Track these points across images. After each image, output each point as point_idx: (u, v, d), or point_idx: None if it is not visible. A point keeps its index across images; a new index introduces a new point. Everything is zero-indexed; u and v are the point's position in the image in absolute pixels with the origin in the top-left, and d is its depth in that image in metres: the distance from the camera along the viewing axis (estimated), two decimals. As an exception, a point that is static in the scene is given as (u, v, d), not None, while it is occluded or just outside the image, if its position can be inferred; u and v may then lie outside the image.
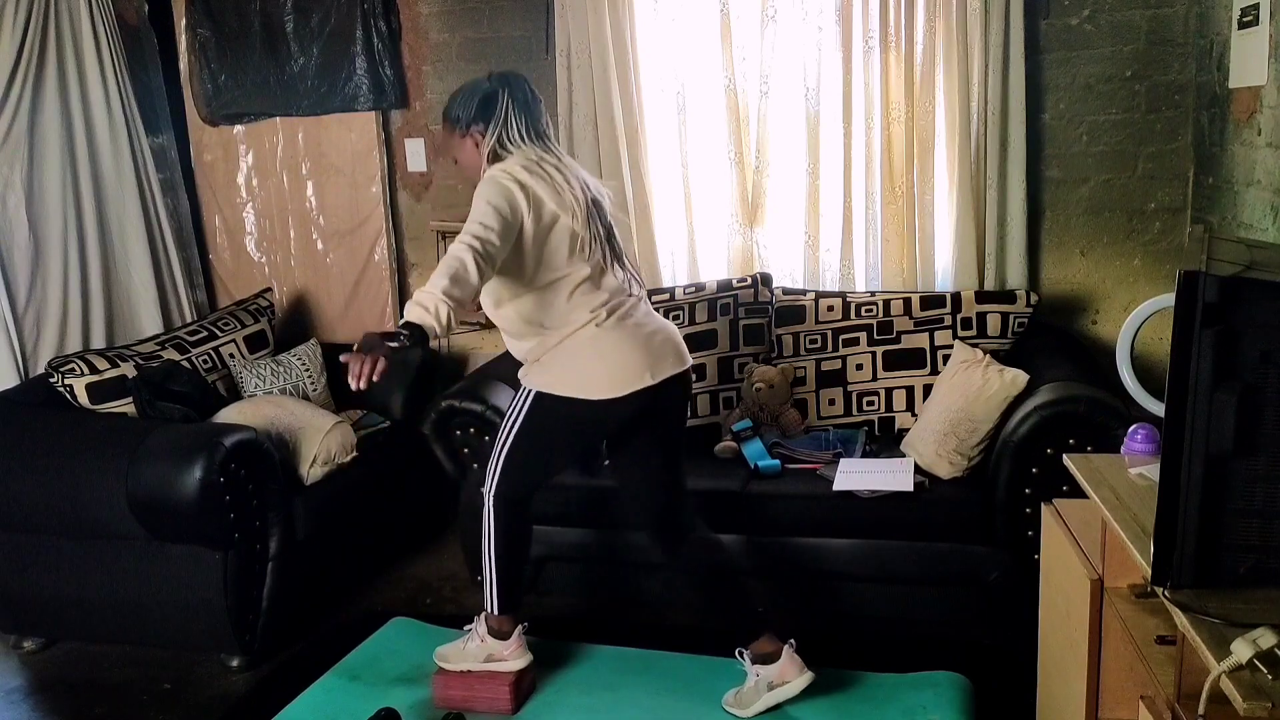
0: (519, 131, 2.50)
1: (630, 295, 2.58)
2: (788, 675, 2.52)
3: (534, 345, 2.55)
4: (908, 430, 3.25)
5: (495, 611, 2.63)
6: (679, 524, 2.66)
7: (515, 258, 2.43)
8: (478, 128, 2.53)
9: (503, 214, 2.35)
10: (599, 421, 2.55)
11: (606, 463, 2.78)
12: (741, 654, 2.59)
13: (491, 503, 2.59)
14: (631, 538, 3.13)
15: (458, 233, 4.18)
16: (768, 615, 2.62)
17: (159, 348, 3.50)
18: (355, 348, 2.16)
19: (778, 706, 2.54)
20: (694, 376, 2.82)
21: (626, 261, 2.62)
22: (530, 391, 2.56)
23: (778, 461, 3.15)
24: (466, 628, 2.71)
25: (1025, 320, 3.32)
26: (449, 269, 2.24)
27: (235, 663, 2.98)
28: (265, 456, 2.99)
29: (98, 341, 3.96)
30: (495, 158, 2.51)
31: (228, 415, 3.23)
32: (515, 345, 2.62)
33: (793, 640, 2.56)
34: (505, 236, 2.35)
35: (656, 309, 3.56)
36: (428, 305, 2.19)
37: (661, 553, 2.68)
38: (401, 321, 2.22)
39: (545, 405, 2.53)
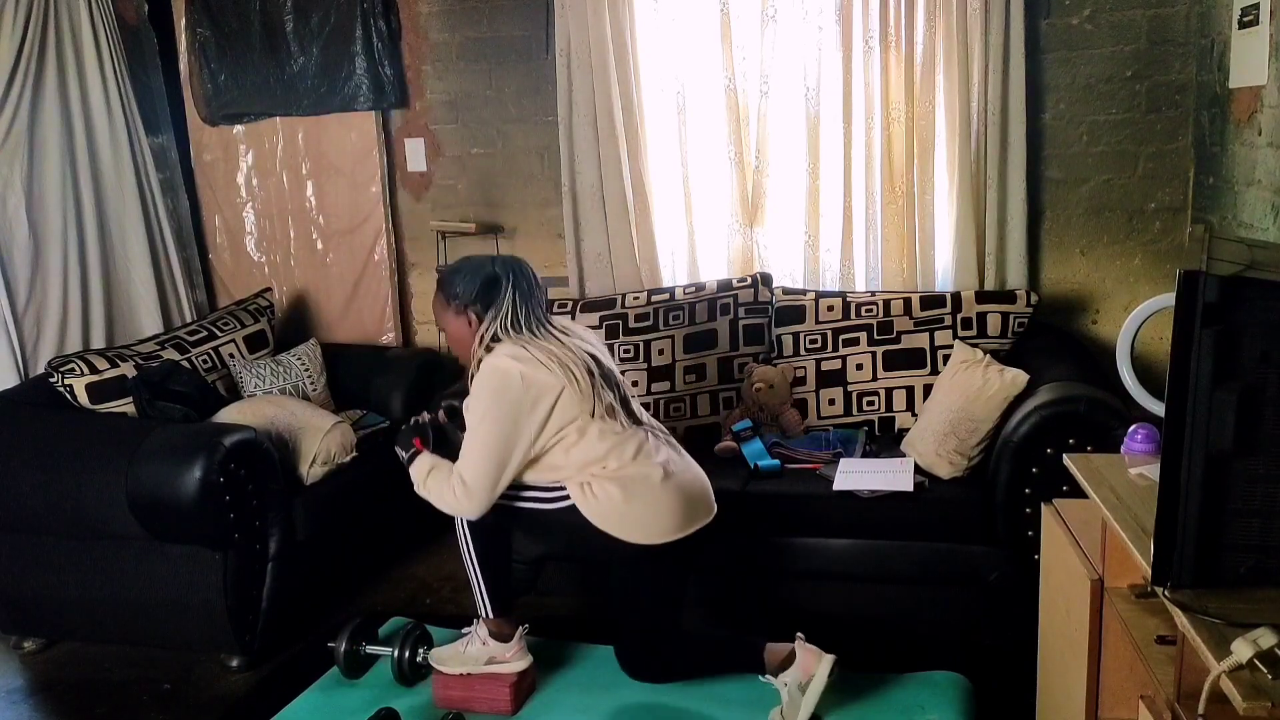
0: (515, 322, 2.51)
1: (650, 436, 2.57)
2: (810, 668, 2.44)
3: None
4: (908, 430, 3.25)
5: (490, 615, 2.63)
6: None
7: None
8: (475, 309, 2.52)
9: (502, 457, 2.45)
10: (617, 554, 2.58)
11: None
12: (764, 677, 2.51)
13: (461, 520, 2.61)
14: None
15: (458, 233, 4.14)
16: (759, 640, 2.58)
17: (159, 348, 3.49)
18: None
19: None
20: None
21: (635, 406, 2.62)
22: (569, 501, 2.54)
23: (778, 461, 3.15)
24: (465, 630, 2.70)
25: (1025, 320, 3.32)
26: (438, 496, 2.55)
27: (235, 663, 2.98)
28: (265, 456, 2.99)
29: (98, 341, 3.95)
30: (488, 347, 2.52)
31: (228, 415, 3.22)
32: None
33: (800, 634, 2.50)
34: (500, 472, 2.47)
35: (657, 308, 3.58)
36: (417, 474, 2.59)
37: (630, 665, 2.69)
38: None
39: (575, 522, 2.53)
